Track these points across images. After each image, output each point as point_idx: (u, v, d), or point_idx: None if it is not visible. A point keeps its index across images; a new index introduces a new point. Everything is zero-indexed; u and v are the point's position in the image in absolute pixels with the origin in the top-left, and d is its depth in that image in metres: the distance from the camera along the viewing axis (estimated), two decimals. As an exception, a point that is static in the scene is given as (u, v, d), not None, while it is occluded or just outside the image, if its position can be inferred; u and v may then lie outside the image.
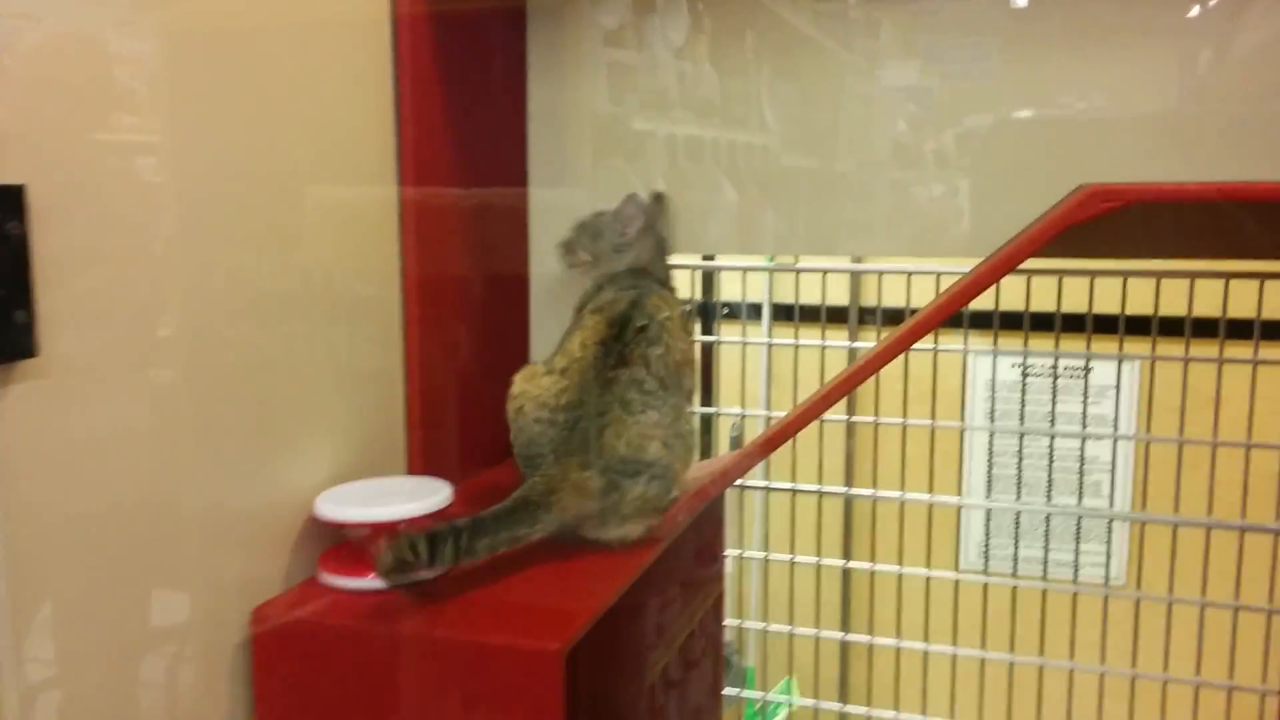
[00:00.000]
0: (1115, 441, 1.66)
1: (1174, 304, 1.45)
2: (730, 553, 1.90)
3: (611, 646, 1.25)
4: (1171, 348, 1.46)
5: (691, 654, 1.55)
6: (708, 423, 2.34)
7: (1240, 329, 1.45)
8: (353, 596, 1.10)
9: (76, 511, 0.91)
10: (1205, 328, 1.45)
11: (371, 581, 1.10)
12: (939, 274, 1.49)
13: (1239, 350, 1.45)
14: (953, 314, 1.23)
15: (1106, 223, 1.31)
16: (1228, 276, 1.40)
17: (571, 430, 1.18)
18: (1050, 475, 1.62)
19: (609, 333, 1.22)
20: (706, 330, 2.70)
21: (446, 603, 1.08)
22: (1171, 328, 1.46)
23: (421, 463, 1.35)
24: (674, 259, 1.41)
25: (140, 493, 0.97)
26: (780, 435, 1.35)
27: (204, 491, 1.04)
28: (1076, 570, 1.53)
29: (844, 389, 1.29)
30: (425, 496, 1.16)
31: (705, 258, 1.95)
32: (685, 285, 2.66)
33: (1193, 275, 1.40)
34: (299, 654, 1.06)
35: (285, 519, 1.15)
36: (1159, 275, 1.41)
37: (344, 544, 1.18)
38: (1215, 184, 1.20)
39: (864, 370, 1.27)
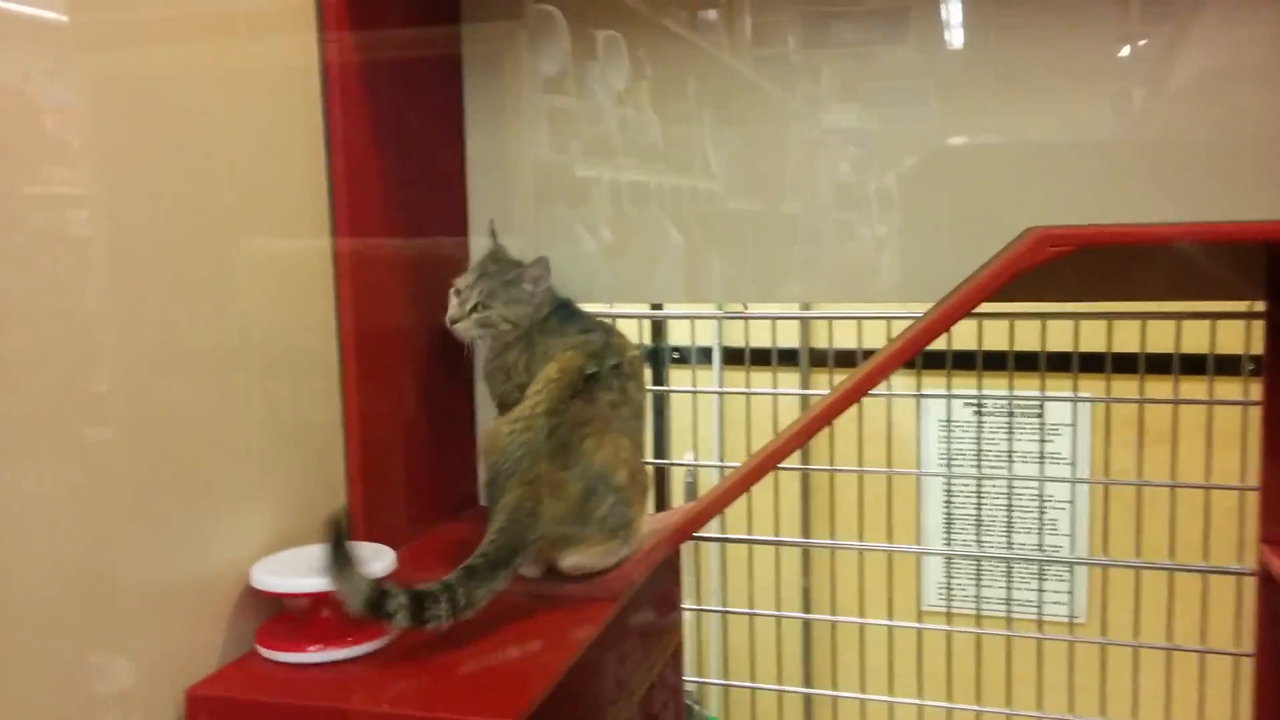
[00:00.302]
0: (1074, 485, 1.64)
1: (1128, 341, 1.43)
2: (689, 606, 1.85)
3: (571, 706, 1.23)
4: (1126, 385, 1.45)
5: (652, 707, 1.51)
6: (661, 473, 2.30)
7: (1194, 365, 1.43)
8: (293, 671, 1.06)
9: None
10: (1159, 363, 1.43)
11: (313, 654, 1.06)
12: (889, 319, 1.47)
13: (1193, 387, 1.44)
14: (906, 361, 1.21)
15: (1055, 266, 1.30)
16: (1179, 317, 1.39)
17: (549, 436, 1.20)
18: (1010, 516, 1.59)
19: (585, 364, 1.25)
20: (657, 377, 2.67)
21: (394, 672, 1.05)
22: (1126, 364, 1.45)
23: (365, 525, 1.31)
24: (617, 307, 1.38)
25: (65, 561, 0.93)
26: (736, 488, 1.34)
27: (134, 560, 0.99)
28: (1040, 617, 1.50)
29: (800, 439, 1.27)
30: (366, 564, 1.10)
31: (653, 306, 1.92)
32: (634, 332, 2.64)
33: (1144, 317, 1.39)
34: None
35: (221, 589, 1.10)
36: (1110, 317, 1.39)
37: (283, 615, 1.14)
38: (1166, 226, 1.18)
39: (820, 419, 1.26)
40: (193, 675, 1.04)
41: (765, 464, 1.30)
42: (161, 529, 1.03)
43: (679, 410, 2.40)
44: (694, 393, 1.72)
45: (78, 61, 0.95)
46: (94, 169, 0.96)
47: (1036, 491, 2.29)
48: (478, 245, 1.57)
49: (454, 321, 1.32)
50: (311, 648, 1.07)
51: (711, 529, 2.53)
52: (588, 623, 1.14)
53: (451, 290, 1.35)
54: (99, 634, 0.96)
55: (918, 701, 1.55)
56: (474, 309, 1.31)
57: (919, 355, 1.48)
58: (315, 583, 1.06)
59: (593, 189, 1.54)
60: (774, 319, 1.65)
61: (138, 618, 1.00)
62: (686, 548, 2.51)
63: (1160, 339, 1.42)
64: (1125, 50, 1.31)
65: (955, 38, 1.37)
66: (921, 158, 1.38)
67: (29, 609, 0.90)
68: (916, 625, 1.55)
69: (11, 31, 0.89)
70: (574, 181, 1.54)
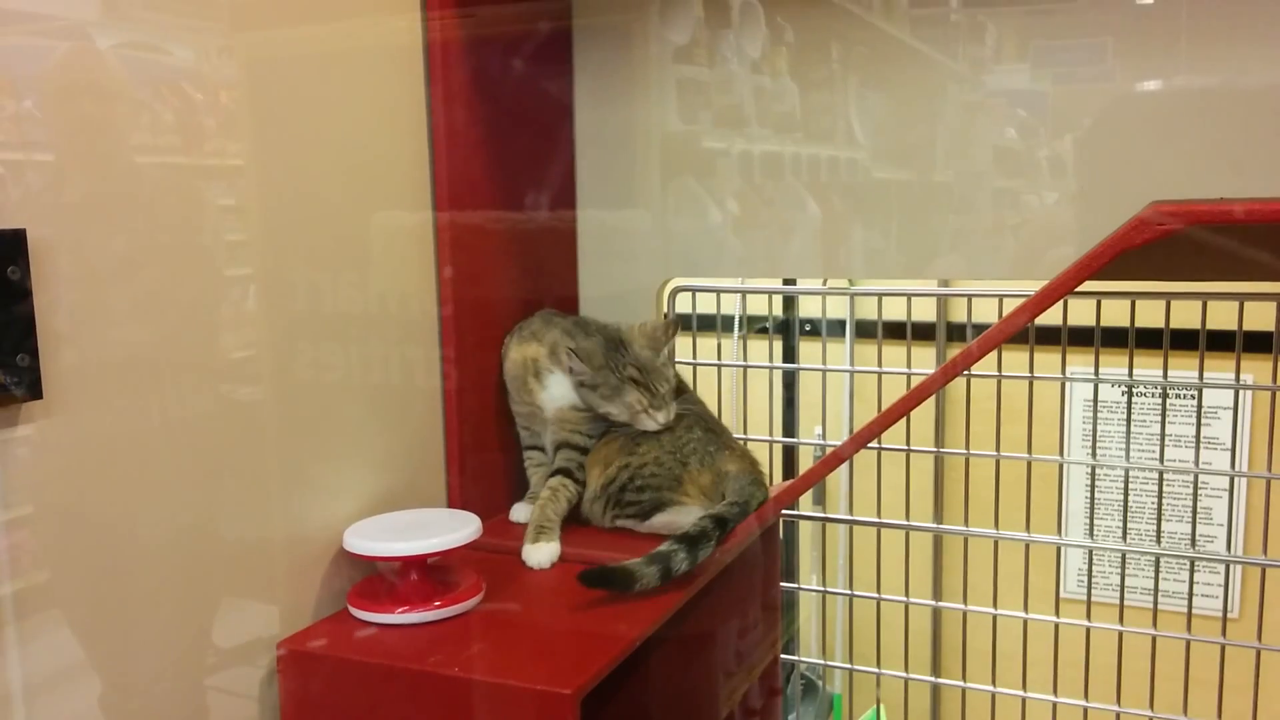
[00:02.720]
0: (1233, 480, 1.53)
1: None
2: (812, 587, 1.81)
3: (677, 675, 1.29)
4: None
5: (773, 681, 1.50)
6: (789, 452, 2.26)
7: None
8: (379, 631, 1.10)
9: (100, 547, 0.90)
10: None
11: (399, 616, 1.10)
12: (1000, 297, 1.39)
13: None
14: (1009, 338, 1.16)
15: (1212, 239, 1.20)
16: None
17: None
18: (1160, 508, 1.49)
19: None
20: (788, 350, 2.62)
21: (473, 637, 1.08)
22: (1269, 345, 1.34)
23: (459, 493, 1.34)
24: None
25: (181, 513, 0.97)
26: (824, 466, 1.32)
27: (235, 523, 1.04)
28: (1190, 619, 1.40)
29: (894, 415, 1.23)
30: (455, 530, 1.13)
31: (785, 281, 1.87)
32: (764, 306, 2.59)
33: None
34: (323, 686, 1.06)
35: (318, 549, 1.15)
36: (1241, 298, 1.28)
37: (374, 577, 1.18)
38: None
39: (915, 396, 1.21)
40: (287, 629, 1.10)
41: (857, 440, 1.26)
42: (270, 489, 1.07)
43: (808, 389, 2.35)
44: (822, 370, 1.67)
45: (170, 42, 0.97)
46: (191, 148, 0.98)
47: (1189, 479, 2.16)
48: (586, 218, 1.56)
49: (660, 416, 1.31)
50: (399, 609, 1.10)
51: (838, 510, 2.48)
52: (669, 598, 1.15)
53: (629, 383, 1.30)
54: (206, 585, 1.01)
55: (1053, 699, 1.48)
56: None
57: (1065, 335, 1.40)
58: (405, 547, 1.10)
59: (721, 160, 1.50)
60: (878, 295, 1.59)
61: (241, 574, 1.05)
62: (812, 528, 2.47)
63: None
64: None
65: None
66: (1095, 121, 1.29)
67: (148, 557, 0.94)
68: (1053, 619, 1.47)
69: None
70: (702, 153, 1.50)
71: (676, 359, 1.57)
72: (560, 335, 1.34)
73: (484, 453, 1.36)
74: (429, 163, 1.28)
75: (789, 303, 2.58)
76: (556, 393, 1.33)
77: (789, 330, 2.63)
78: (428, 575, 1.13)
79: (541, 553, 1.24)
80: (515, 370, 1.35)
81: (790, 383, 2.50)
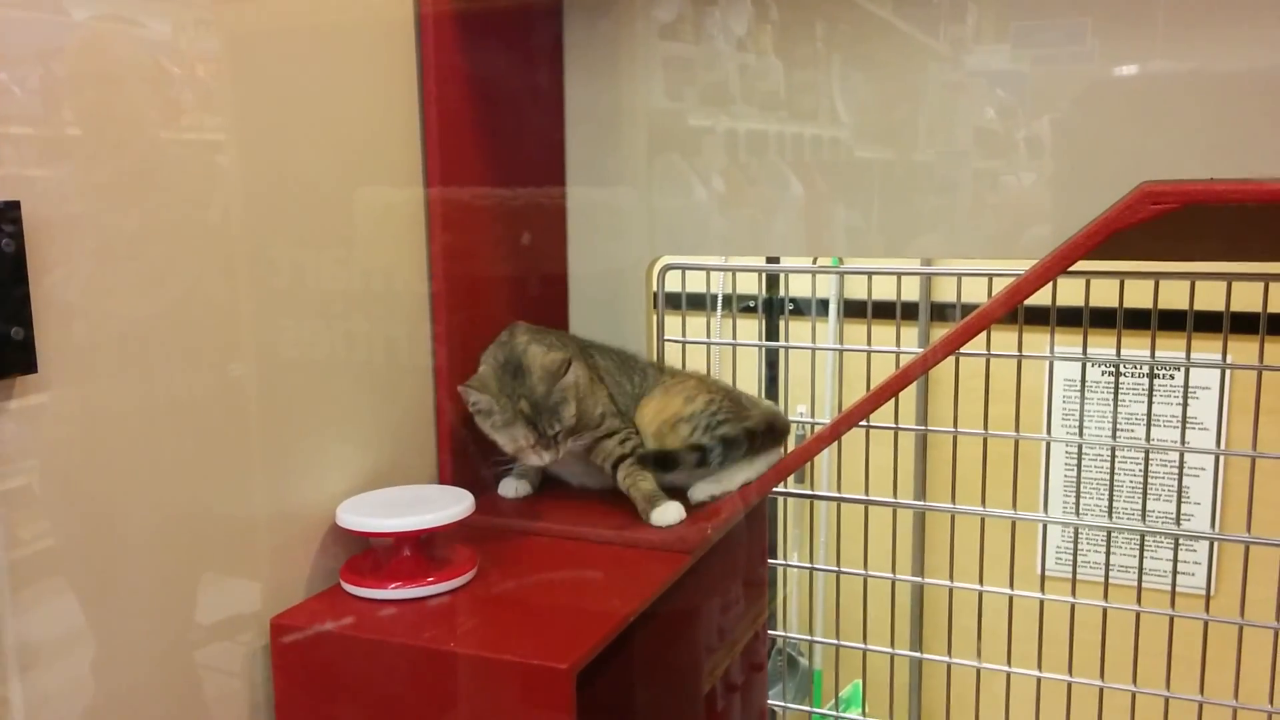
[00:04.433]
0: (1217, 459, 1.55)
1: (1273, 302, 1.33)
2: (797, 563, 1.82)
3: (664, 651, 1.28)
4: (1278, 350, 1.35)
5: (756, 657, 1.51)
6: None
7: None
8: (372, 606, 1.10)
9: (93, 521, 0.90)
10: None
11: (392, 591, 1.10)
12: (990, 276, 1.40)
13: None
14: (998, 320, 1.18)
15: (1202, 219, 1.21)
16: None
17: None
18: (1146, 486, 1.51)
19: None
20: (772, 328, 2.62)
21: (466, 612, 1.09)
22: (1256, 326, 1.35)
23: (451, 470, 1.34)
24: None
25: (172, 488, 0.97)
26: (813, 447, 1.34)
27: (227, 499, 1.04)
28: (1174, 595, 1.42)
29: (883, 395, 1.25)
30: (448, 506, 1.14)
31: (769, 259, 1.87)
32: (749, 284, 2.59)
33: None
34: (317, 662, 1.07)
35: (311, 525, 1.15)
36: (1266, 279, 1.29)
37: (367, 552, 1.18)
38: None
39: (903, 377, 1.23)
40: (280, 605, 1.10)
41: (846, 420, 1.28)
42: (262, 465, 1.07)
43: (794, 364, 2.36)
44: (810, 348, 1.67)
45: (213, 14, 0.97)
46: (184, 121, 0.97)
47: (1170, 458, 2.19)
48: (575, 195, 1.55)
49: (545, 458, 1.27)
50: (392, 585, 1.11)
51: (821, 486, 2.49)
52: (662, 574, 1.16)
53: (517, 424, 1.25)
54: (199, 560, 1.01)
55: (1037, 674, 1.50)
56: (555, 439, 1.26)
57: (1053, 315, 1.41)
58: (398, 522, 1.10)
59: (707, 138, 1.50)
60: (868, 274, 1.59)
61: (236, 547, 1.05)
62: (800, 504, 2.49)
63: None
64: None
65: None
66: (1077, 101, 1.30)
67: (141, 531, 0.94)
68: (1037, 595, 1.49)
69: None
70: (688, 130, 1.50)
71: (667, 337, 1.58)
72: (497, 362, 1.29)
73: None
74: (420, 138, 1.27)
75: (772, 281, 2.58)
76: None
77: (772, 309, 2.63)
78: (420, 551, 1.13)
79: (669, 511, 1.25)
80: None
81: (774, 361, 2.51)
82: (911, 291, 2.54)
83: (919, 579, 1.72)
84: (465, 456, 1.35)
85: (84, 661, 0.90)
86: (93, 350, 0.88)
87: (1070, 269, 1.15)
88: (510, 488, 1.37)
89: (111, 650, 0.92)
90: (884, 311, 1.85)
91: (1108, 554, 1.49)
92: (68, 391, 0.86)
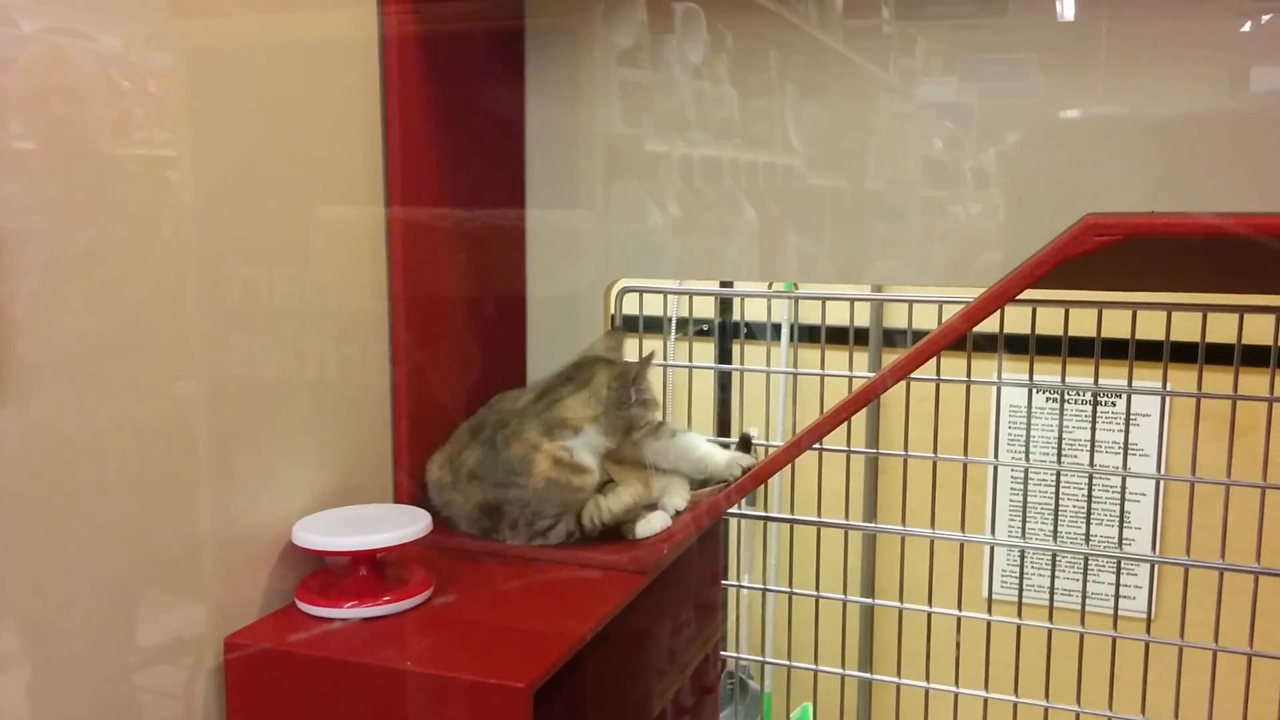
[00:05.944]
0: (1159, 484, 1.59)
1: (1221, 332, 1.38)
2: (749, 584, 1.83)
3: (614, 673, 1.28)
4: (1218, 377, 1.39)
5: (706, 680, 1.52)
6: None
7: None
8: (327, 625, 1.10)
9: (42, 538, 0.89)
10: (1255, 356, 1.38)
11: (348, 610, 1.10)
12: (940, 303, 1.43)
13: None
14: (949, 345, 1.21)
15: (1147, 251, 1.25)
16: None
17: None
18: (1090, 510, 1.55)
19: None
20: (725, 352, 2.64)
21: (423, 631, 1.09)
22: (1195, 355, 1.39)
23: (408, 488, 1.34)
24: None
25: (119, 506, 0.95)
26: (766, 470, 1.35)
27: (181, 517, 1.03)
28: (1116, 617, 1.45)
29: (835, 420, 1.27)
30: (404, 525, 1.13)
31: (723, 283, 1.89)
32: (706, 308, 2.61)
33: (1243, 310, 1.33)
34: (271, 681, 1.06)
35: (266, 543, 1.14)
36: (1205, 309, 1.34)
37: (322, 571, 1.17)
38: (1221, 217, 1.12)
39: (855, 402, 1.25)
40: (235, 624, 1.09)
41: (798, 444, 1.29)
42: (214, 482, 1.06)
43: (750, 390, 2.37)
44: (764, 371, 1.69)
45: (172, 29, 0.97)
46: (146, 136, 0.97)
47: (1113, 483, 2.23)
48: (534, 217, 1.56)
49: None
50: (348, 604, 1.10)
51: (774, 508, 2.52)
52: (616, 594, 1.17)
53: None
54: (148, 580, 0.99)
55: (984, 694, 1.52)
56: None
57: (1001, 342, 1.44)
58: (354, 541, 1.10)
59: (663, 163, 1.52)
60: (822, 299, 1.62)
61: (187, 566, 1.04)
62: (752, 526, 2.50)
63: (1259, 330, 1.36)
64: (1247, 25, 1.25)
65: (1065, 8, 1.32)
66: (1022, 134, 1.34)
67: (92, 549, 0.93)
68: (984, 616, 1.52)
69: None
70: (645, 156, 1.52)
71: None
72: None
73: (431, 449, 1.35)
74: (382, 158, 1.28)
75: (725, 305, 2.60)
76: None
77: (724, 333, 2.65)
78: (376, 570, 1.13)
79: (653, 521, 1.26)
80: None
81: (725, 384, 2.53)
82: (863, 317, 2.57)
83: (870, 600, 1.74)
84: (421, 476, 1.35)
85: (23, 680, 0.88)
86: (39, 367, 0.87)
87: (1016, 297, 1.18)
88: (660, 521, 1.31)
89: (51, 673, 0.91)
90: (837, 337, 1.88)
91: (1052, 576, 1.52)
92: (11, 409, 0.85)
